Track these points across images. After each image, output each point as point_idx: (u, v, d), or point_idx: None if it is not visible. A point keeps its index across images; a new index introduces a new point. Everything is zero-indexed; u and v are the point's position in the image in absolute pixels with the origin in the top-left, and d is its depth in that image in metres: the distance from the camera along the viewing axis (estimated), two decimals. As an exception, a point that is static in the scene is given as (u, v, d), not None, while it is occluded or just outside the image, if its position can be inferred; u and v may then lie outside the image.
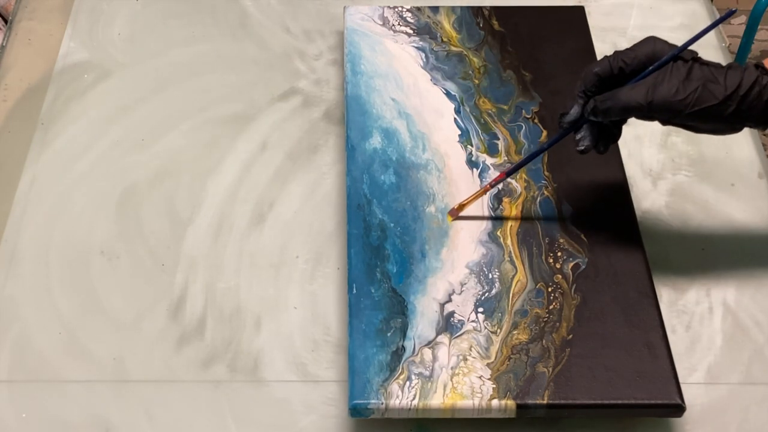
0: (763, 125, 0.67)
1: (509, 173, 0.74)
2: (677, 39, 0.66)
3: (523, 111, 0.83)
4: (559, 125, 0.70)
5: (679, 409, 0.65)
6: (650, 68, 0.66)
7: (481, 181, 0.78)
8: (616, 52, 0.67)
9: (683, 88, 0.64)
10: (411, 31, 0.89)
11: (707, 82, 0.64)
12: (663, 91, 0.64)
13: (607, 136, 0.70)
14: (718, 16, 0.99)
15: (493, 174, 0.78)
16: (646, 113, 0.66)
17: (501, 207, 0.76)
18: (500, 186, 0.77)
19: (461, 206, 0.74)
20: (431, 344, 0.67)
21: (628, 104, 0.65)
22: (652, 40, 0.67)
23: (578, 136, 0.69)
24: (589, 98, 0.68)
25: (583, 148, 0.69)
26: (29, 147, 0.85)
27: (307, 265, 0.77)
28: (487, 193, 0.75)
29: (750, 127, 0.67)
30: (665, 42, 0.67)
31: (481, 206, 0.76)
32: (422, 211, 0.75)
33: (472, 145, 0.80)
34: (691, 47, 0.66)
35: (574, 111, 0.69)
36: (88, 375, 0.70)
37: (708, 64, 0.66)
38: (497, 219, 0.75)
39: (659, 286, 0.75)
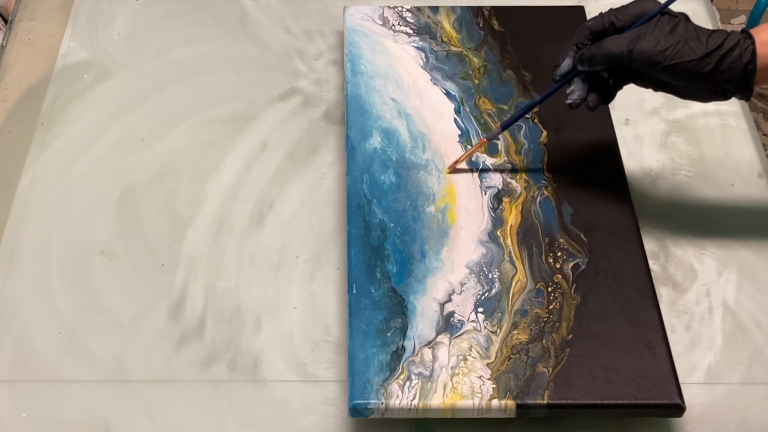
0: (743, 93, 0.68)
1: (504, 126, 0.77)
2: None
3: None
4: (552, 79, 0.73)
5: (679, 409, 0.65)
6: (639, 22, 0.68)
7: (480, 181, 0.78)
8: (610, 9, 0.70)
9: (665, 40, 0.66)
10: (411, 31, 0.89)
11: (689, 39, 0.66)
12: (645, 41, 0.67)
13: (600, 94, 0.72)
14: (718, 17, 0.99)
15: (493, 175, 0.78)
16: (627, 63, 0.68)
17: (501, 207, 0.76)
18: (500, 186, 0.77)
19: (457, 161, 0.78)
20: (431, 344, 0.67)
21: (611, 51, 0.68)
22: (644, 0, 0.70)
23: (569, 89, 0.72)
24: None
25: (571, 101, 0.71)
26: (29, 147, 0.85)
27: (307, 265, 0.77)
28: (485, 145, 0.78)
29: (730, 92, 0.68)
30: (657, 2, 0.69)
31: (481, 206, 0.76)
32: (422, 211, 0.75)
33: (471, 145, 0.80)
34: (682, 11, 0.69)
35: (566, 63, 0.72)
36: (88, 375, 0.70)
37: (695, 24, 0.68)
38: (497, 219, 0.75)
39: (659, 286, 0.75)
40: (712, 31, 0.67)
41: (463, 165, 0.78)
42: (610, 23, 0.69)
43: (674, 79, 0.68)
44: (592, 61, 0.69)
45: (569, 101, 0.72)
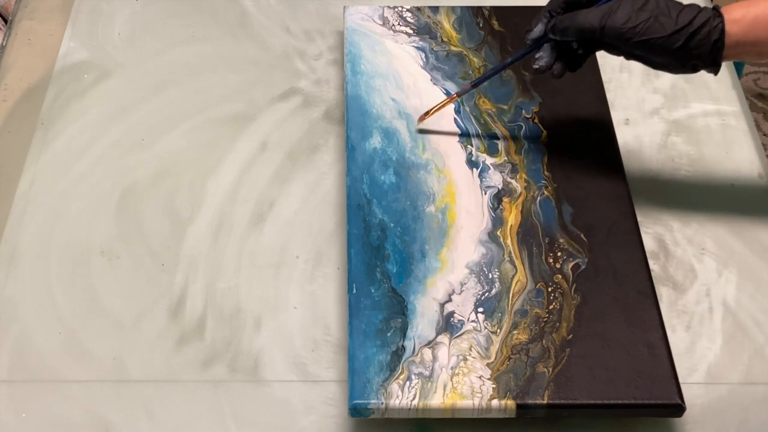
0: (712, 67, 0.69)
1: (475, 84, 0.79)
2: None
3: (523, 111, 0.83)
4: (524, 42, 0.75)
5: (679, 409, 0.65)
6: None
7: (480, 181, 0.78)
8: None
9: (635, 16, 0.68)
10: (411, 31, 0.89)
11: (659, 15, 0.68)
12: (616, 17, 0.68)
13: (566, 62, 0.74)
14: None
15: (493, 175, 0.78)
16: (599, 37, 0.69)
17: (501, 207, 0.76)
18: (500, 186, 0.77)
19: (428, 113, 0.80)
20: (431, 344, 0.67)
21: (583, 26, 0.70)
22: None
23: (537, 54, 0.74)
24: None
25: (537, 66, 0.74)
26: (29, 147, 0.85)
27: (307, 265, 0.77)
28: (454, 101, 0.81)
29: (699, 66, 0.69)
30: None
31: (481, 206, 0.76)
32: (422, 211, 0.75)
33: (472, 145, 0.80)
34: None
35: (538, 29, 0.74)
36: (88, 375, 0.70)
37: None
38: (497, 219, 0.75)
39: (659, 286, 0.75)
40: (684, 7, 0.68)
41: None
42: None
43: (644, 53, 0.70)
44: (564, 33, 0.71)
45: (536, 66, 0.74)
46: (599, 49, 0.73)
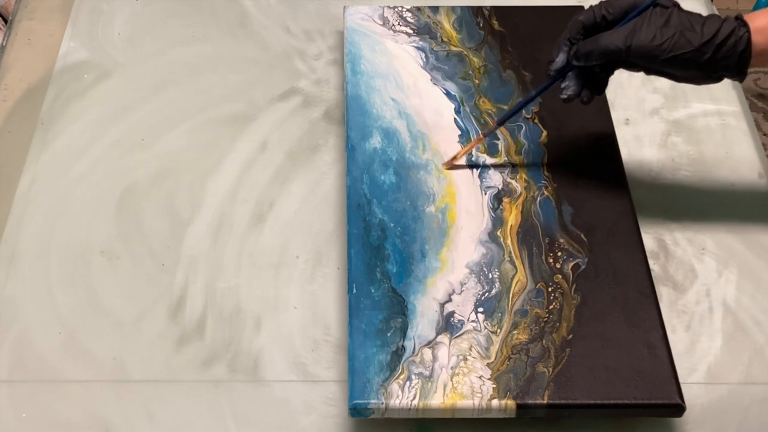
0: (739, 76, 0.69)
1: (500, 122, 0.77)
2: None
3: (523, 111, 0.83)
4: (547, 74, 0.73)
5: (679, 409, 0.65)
6: (631, 15, 0.68)
7: (480, 181, 0.78)
8: (600, 2, 0.70)
9: (660, 34, 0.67)
10: (411, 31, 0.89)
11: (684, 30, 0.67)
12: (641, 36, 0.67)
13: (592, 87, 0.72)
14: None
15: (493, 175, 0.78)
16: (625, 58, 0.68)
17: (501, 207, 0.76)
18: (500, 186, 0.77)
19: (455, 158, 0.78)
20: (431, 344, 0.67)
21: (608, 48, 0.68)
22: None
23: (563, 84, 0.72)
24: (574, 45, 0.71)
25: (566, 96, 0.72)
26: (29, 147, 0.85)
27: (307, 265, 0.77)
28: (482, 141, 0.79)
29: (726, 76, 0.69)
30: None
31: (481, 206, 0.76)
32: (422, 211, 0.75)
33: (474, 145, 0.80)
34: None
35: (560, 59, 0.72)
36: (88, 375, 0.70)
37: (688, 12, 0.68)
38: (497, 219, 0.75)
39: (659, 286, 0.75)
40: (706, 18, 0.68)
41: (461, 161, 0.78)
42: (602, 17, 0.70)
43: (672, 70, 0.69)
44: (589, 57, 0.69)
45: (564, 96, 0.72)
46: (620, 68, 0.71)
